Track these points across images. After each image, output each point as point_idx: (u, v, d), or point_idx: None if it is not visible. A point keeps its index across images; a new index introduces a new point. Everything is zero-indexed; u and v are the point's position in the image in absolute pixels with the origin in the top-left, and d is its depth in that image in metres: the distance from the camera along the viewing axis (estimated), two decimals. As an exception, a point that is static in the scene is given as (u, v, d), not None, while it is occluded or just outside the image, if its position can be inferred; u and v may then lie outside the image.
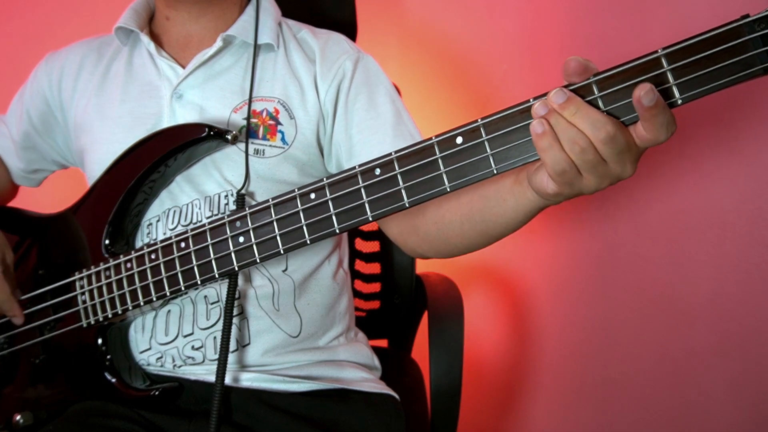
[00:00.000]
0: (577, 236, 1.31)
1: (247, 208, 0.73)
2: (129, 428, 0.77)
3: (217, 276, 0.74)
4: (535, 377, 1.43)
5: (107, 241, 0.83)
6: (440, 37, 1.43)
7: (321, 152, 0.88)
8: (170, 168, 0.82)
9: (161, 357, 0.82)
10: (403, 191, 0.64)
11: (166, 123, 0.84)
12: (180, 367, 0.82)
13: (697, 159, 1.13)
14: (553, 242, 1.34)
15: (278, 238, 0.71)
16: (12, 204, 1.04)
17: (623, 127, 0.54)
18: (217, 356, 0.80)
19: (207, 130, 0.77)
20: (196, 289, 0.82)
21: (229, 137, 0.78)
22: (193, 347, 0.81)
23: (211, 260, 0.74)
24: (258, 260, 0.72)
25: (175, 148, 0.79)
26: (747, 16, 0.50)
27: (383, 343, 1.29)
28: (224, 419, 0.79)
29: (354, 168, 0.66)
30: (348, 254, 1.01)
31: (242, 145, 0.82)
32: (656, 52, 0.53)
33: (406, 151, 0.63)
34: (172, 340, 0.82)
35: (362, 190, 0.66)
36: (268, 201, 0.71)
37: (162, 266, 0.77)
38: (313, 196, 0.69)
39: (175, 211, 0.84)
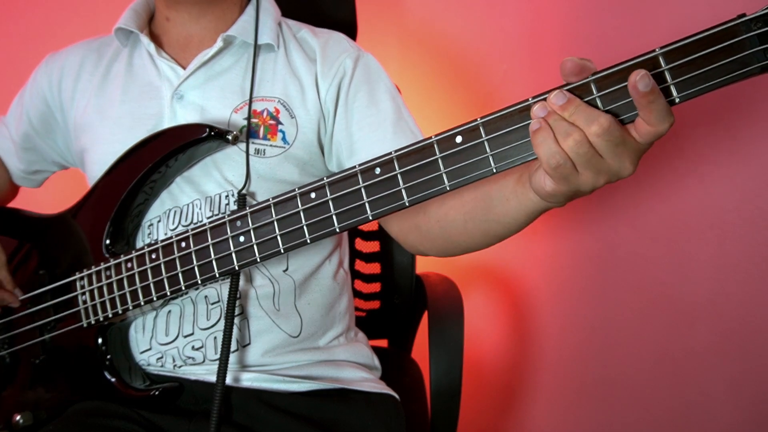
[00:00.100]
0: (577, 236, 1.31)
1: (247, 208, 0.73)
2: (129, 428, 0.77)
3: (217, 276, 0.75)
4: (535, 377, 1.43)
5: (108, 241, 0.83)
6: (440, 37, 1.43)
7: (322, 151, 0.88)
8: (171, 168, 0.82)
9: (161, 357, 0.82)
10: (403, 190, 0.64)
11: (167, 123, 0.84)
12: (180, 367, 0.82)
13: (696, 159, 1.13)
14: (553, 242, 1.34)
15: (279, 237, 0.71)
16: (12, 204, 1.05)
17: (617, 121, 0.55)
18: (217, 356, 0.80)
19: (208, 130, 0.78)
20: (197, 289, 0.82)
21: (230, 137, 0.78)
22: (193, 347, 0.81)
23: (211, 260, 0.75)
24: (258, 260, 0.72)
25: (176, 148, 0.79)
26: (744, 15, 0.50)
27: (383, 343, 1.29)
28: (224, 419, 0.79)
29: (354, 167, 0.67)
30: (348, 254, 1.01)
31: (243, 146, 0.82)
32: (654, 51, 0.53)
33: (406, 150, 0.64)
34: (172, 341, 0.82)
35: (362, 190, 0.66)
36: (268, 201, 0.71)
37: (162, 266, 0.77)
38: (313, 195, 0.69)
39: (175, 212, 0.84)
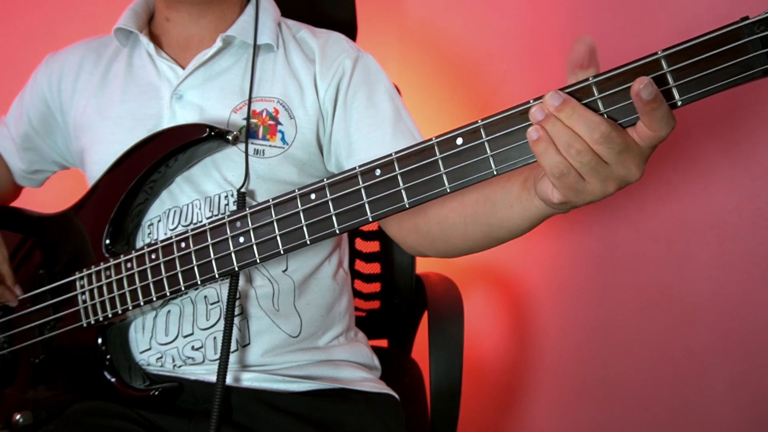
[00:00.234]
0: (577, 236, 1.31)
1: (247, 209, 0.73)
2: (129, 428, 0.77)
3: (217, 276, 0.75)
4: (535, 377, 1.43)
5: (108, 241, 0.83)
6: (440, 37, 1.43)
7: (321, 152, 0.88)
8: (171, 168, 0.82)
9: (161, 357, 0.82)
10: (403, 192, 0.64)
11: (167, 123, 0.84)
12: (180, 367, 0.82)
13: (697, 159, 1.13)
14: (553, 242, 1.34)
15: (278, 238, 0.71)
16: (12, 204, 1.05)
17: (619, 127, 0.54)
18: (216, 356, 0.80)
19: (208, 130, 0.78)
20: (196, 289, 0.82)
21: (230, 138, 0.78)
22: (193, 347, 0.82)
23: (211, 260, 0.74)
24: (258, 260, 0.72)
25: (176, 148, 0.79)
26: (747, 18, 0.50)
27: (383, 343, 1.29)
28: (224, 419, 0.79)
29: (354, 168, 0.66)
30: (348, 254, 1.01)
31: (242, 146, 0.82)
32: (656, 53, 0.53)
33: (407, 151, 0.64)
34: (172, 341, 0.82)
35: (362, 191, 0.66)
36: (268, 201, 0.71)
37: (162, 266, 0.77)
38: (313, 196, 0.69)
39: (175, 212, 0.84)
